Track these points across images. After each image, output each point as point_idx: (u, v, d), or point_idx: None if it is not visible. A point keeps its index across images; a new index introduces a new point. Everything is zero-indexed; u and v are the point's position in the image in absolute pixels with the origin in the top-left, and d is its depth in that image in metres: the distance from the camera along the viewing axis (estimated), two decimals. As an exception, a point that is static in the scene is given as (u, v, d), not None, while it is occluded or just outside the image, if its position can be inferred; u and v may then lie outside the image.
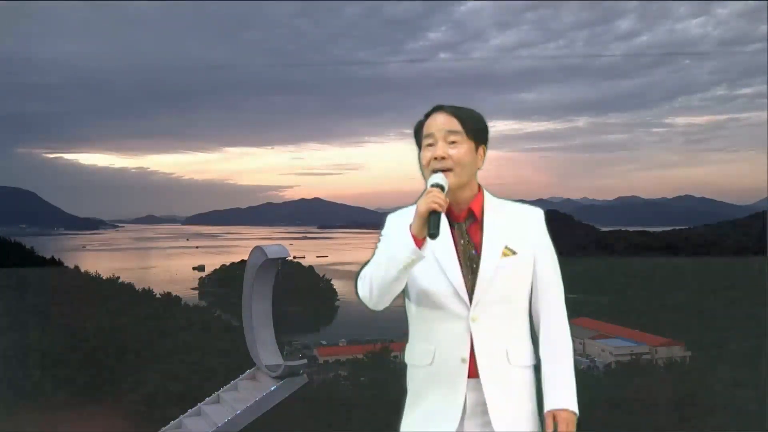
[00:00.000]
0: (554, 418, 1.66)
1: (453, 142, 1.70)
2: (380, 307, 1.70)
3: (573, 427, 1.66)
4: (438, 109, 1.75)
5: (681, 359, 27.68)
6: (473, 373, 1.68)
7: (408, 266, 1.61)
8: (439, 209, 1.58)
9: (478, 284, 1.68)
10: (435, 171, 1.69)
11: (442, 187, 1.63)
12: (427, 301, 1.72)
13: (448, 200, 1.63)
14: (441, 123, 1.72)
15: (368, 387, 17.26)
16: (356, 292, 1.71)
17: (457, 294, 1.68)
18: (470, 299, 1.68)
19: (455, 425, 1.67)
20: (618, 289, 53.20)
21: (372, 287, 1.66)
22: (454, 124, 1.71)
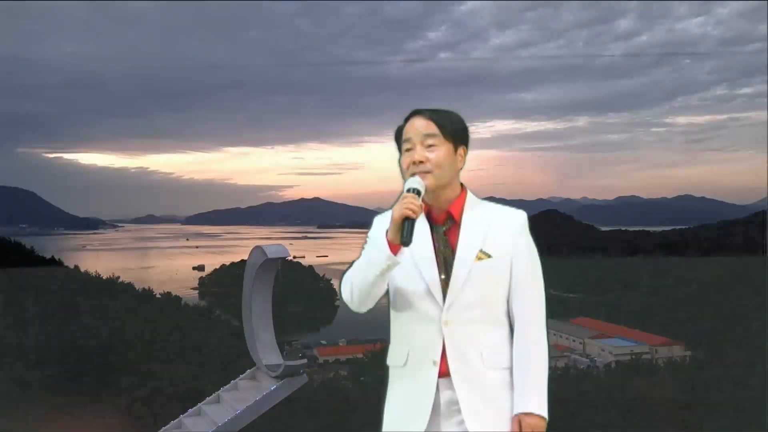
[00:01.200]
0: (519, 421, 1.67)
1: (431, 146, 1.72)
2: (363, 310, 1.74)
3: (539, 429, 1.66)
4: (415, 113, 1.77)
5: (681, 359, 27.72)
6: (447, 373, 1.69)
7: (384, 272, 1.64)
8: (413, 216, 1.60)
9: (450, 287, 1.70)
10: (413, 175, 1.71)
11: (418, 192, 1.65)
12: (404, 303, 1.74)
13: (423, 205, 1.65)
14: (418, 127, 1.74)
15: (368, 386, 17.27)
16: (340, 295, 1.75)
17: (431, 296, 1.70)
18: (444, 302, 1.70)
19: (423, 426, 1.68)
20: (618, 289, 53.22)
21: (353, 291, 1.70)
22: (432, 128, 1.73)
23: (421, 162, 1.71)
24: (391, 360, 1.81)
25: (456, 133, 1.75)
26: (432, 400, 1.69)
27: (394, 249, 1.62)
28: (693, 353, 29.38)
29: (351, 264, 1.76)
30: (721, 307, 36.33)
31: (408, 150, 1.75)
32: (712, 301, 39.44)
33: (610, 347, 37.83)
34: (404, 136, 1.77)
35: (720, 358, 21.58)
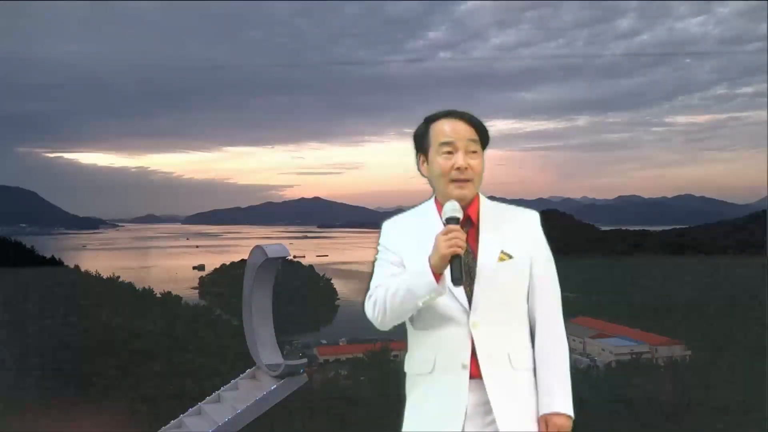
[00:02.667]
0: (546, 422, 1.66)
1: (473, 152, 1.70)
2: (387, 329, 1.71)
3: (565, 429, 1.66)
4: (452, 115, 1.73)
5: (681, 358, 27.71)
6: (475, 374, 1.68)
7: (427, 302, 1.62)
8: (461, 252, 1.57)
9: (476, 290, 1.68)
10: (454, 180, 1.68)
11: (457, 220, 1.62)
12: (427, 309, 1.70)
13: (465, 234, 1.61)
14: (463, 132, 1.70)
15: (368, 386, 17.27)
16: (364, 311, 1.71)
17: (456, 300, 1.68)
18: (470, 305, 1.68)
19: (460, 425, 1.66)
20: (618, 289, 53.21)
21: (385, 313, 1.67)
22: (474, 134, 1.70)
23: (465, 169, 1.68)
24: (413, 368, 1.77)
25: (487, 141, 1.75)
26: (465, 403, 1.67)
27: (437, 278, 1.58)
28: (693, 352, 29.36)
29: (370, 276, 1.73)
30: (721, 307, 36.31)
31: (448, 153, 1.70)
32: (712, 301, 39.41)
33: (610, 347, 37.80)
34: (443, 138, 1.71)
35: (720, 358, 21.55)
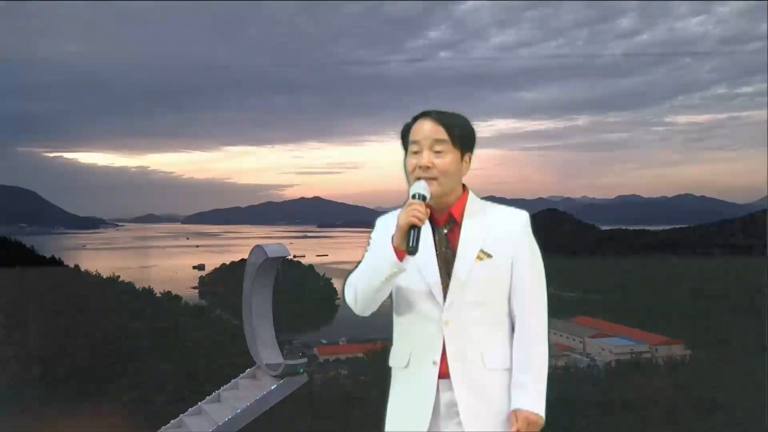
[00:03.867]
0: (516, 416, 1.67)
1: (439, 152, 1.70)
2: (366, 313, 1.74)
3: (534, 428, 1.66)
4: (425, 115, 1.74)
5: (681, 358, 27.69)
6: (447, 374, 1.69)
7: (389, 278, 1.64)
8: (419, 223, 1.59)
9: (450, 287, 1.69)
10: (419, 179, 1.69)
11: (423, 197, 1.64)
12: (406, 304, 1.73)
13: (428, 211, 1.64)
14: (427, 131, 1.71)
15: (368, 385, 17.25)
16: (343, 297, 1.74)
17: (432, 297, 1.70)
18: (445, 302, 1.69)
19: (425, 426, 1.67)
20: (618, 288, 53.20)
21: (357, 295, 1.70)
22: (441, 133, 1.71)
23: (427, 167, 1.70)
24: (393, 361, 1.80)
25: (464, 140, 1.74)
26: (432, 402, 1.68)
27: (400, 255, 1.61)
28: (693, 352, 29.37)
29: (355, 266, 1.75)
30: (721, 307, 36.31)
31: (415, 153, 1.72)
32: (712, 300, 39.41)
33: (610, 346, 37.82)
34: (412, 137, 1.74)
35: (720, 358, 21.55)
